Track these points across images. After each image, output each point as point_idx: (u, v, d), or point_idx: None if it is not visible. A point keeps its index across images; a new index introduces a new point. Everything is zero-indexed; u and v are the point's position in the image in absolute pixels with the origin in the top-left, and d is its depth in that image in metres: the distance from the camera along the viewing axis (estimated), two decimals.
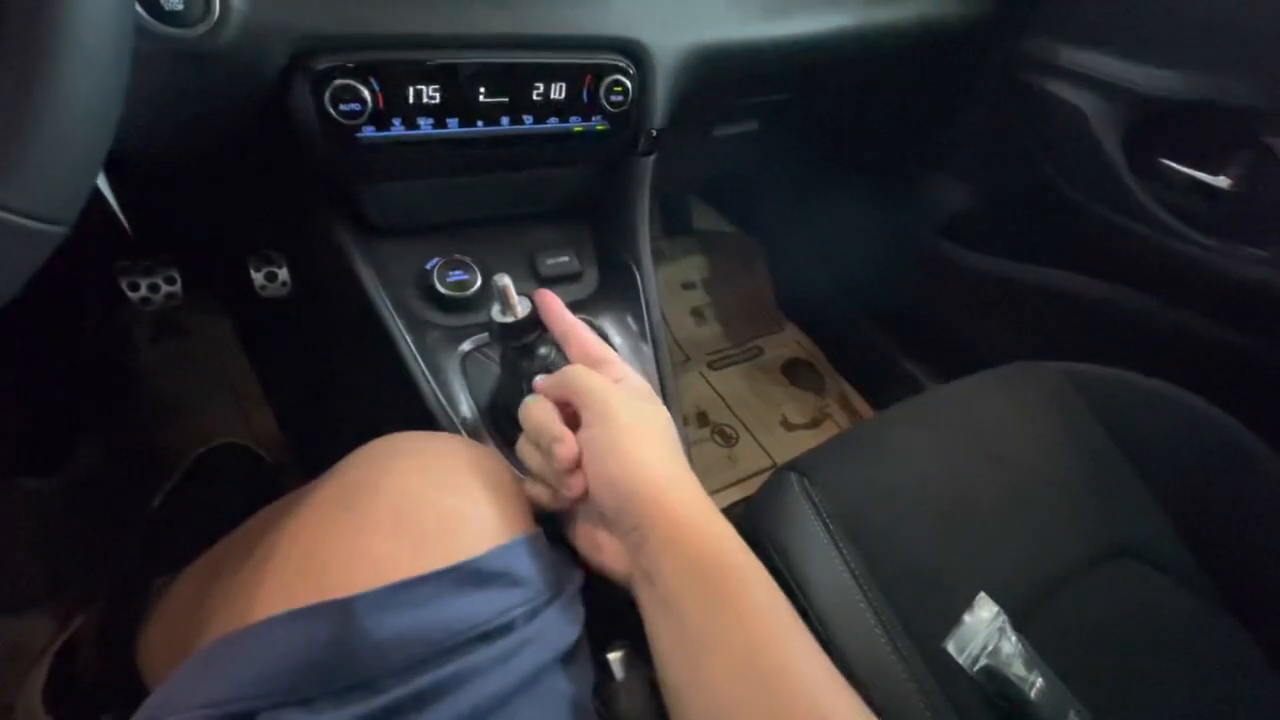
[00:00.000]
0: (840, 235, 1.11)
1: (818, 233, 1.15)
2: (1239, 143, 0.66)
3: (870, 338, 1.09)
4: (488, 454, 0.34)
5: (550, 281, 0.53)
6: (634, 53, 0.47)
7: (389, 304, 0.47)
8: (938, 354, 0.99)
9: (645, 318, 0.52)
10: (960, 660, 0.46)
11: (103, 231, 0.38)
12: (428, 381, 0.44)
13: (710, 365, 1.11)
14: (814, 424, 1.06)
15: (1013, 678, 0.45)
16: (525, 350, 0.40)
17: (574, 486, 0.31)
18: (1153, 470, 0.60)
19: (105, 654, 0.54)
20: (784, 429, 1.03)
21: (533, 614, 0.27)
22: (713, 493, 1.00)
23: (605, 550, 0.32)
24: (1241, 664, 0.55)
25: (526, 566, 0.28)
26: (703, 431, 1.00)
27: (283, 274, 0.78)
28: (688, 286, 1.19)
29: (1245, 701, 0.53)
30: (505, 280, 0.38)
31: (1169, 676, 0.52)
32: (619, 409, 0.31)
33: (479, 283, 0.50)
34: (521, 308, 0.38)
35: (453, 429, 0.44)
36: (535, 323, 0.39)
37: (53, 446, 0.75)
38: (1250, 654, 0.55)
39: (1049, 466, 0.59)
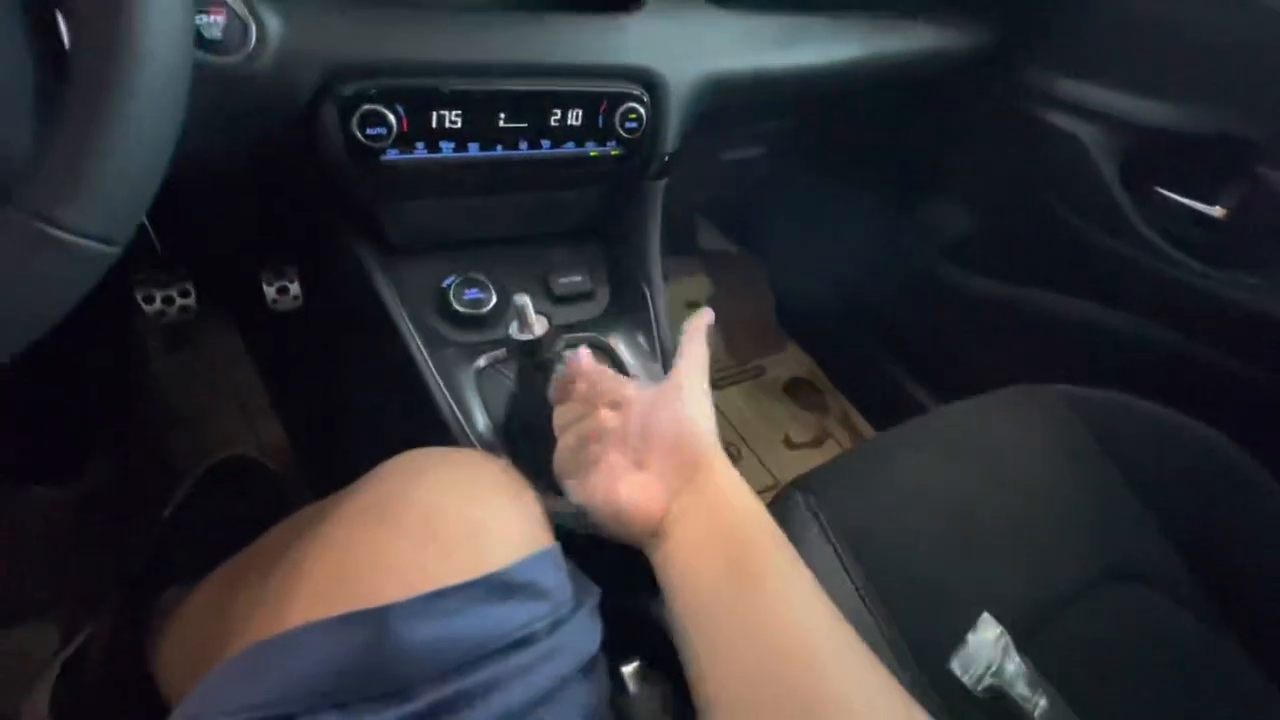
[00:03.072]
0: (843, 257, 1.13)
1: (821, 254, 1.17)
2: (1232, 173, 0.68)
3: (872, 358, 1.10)
4: (508, 469, 0.35)
5: (563, 300, 0.54)
6: (649, 81, 0.49)
7: (407, 319, 0.48)
8: (939, 375, 1.01)
9: (655, 336, 0.53)
10: (965, 680, 0.46)
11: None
12: (444, 396, 0.45)
13: (713, 384, 1.11)
14: (816, 443, 1.07)
15: (1016, 698, 0.45)
16: (541, 367, 0.41)
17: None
18: (1152, 492, 0.61)
19: (114, 664, 0.55)
20: (786, 447, 1.04)
21: (555, 625, 0.28)
22: None
23: (640, 492, 0.33)
24: (1241, 685, 0.55)
25: (550, 579, 0.29)
26: None
27: (294, 288, 0.80)
28: (692, 305, 1.21)
29: (1239, 716, 0.53)
30: (524, 300, 0.39)
31: (1169, 698, 0.52)
32: (706, 372, 0.37)
33: (494, 300, 0.51)
34: (539, 326, 0.39)
35: (467, 443, 0.45)
36: (551, 341, 0.40)
37: (64, 457, 0.76)
38: (1250, 675, 0.56)
39: (1049, 488, 0.60)
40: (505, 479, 0.33)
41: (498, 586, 0.27)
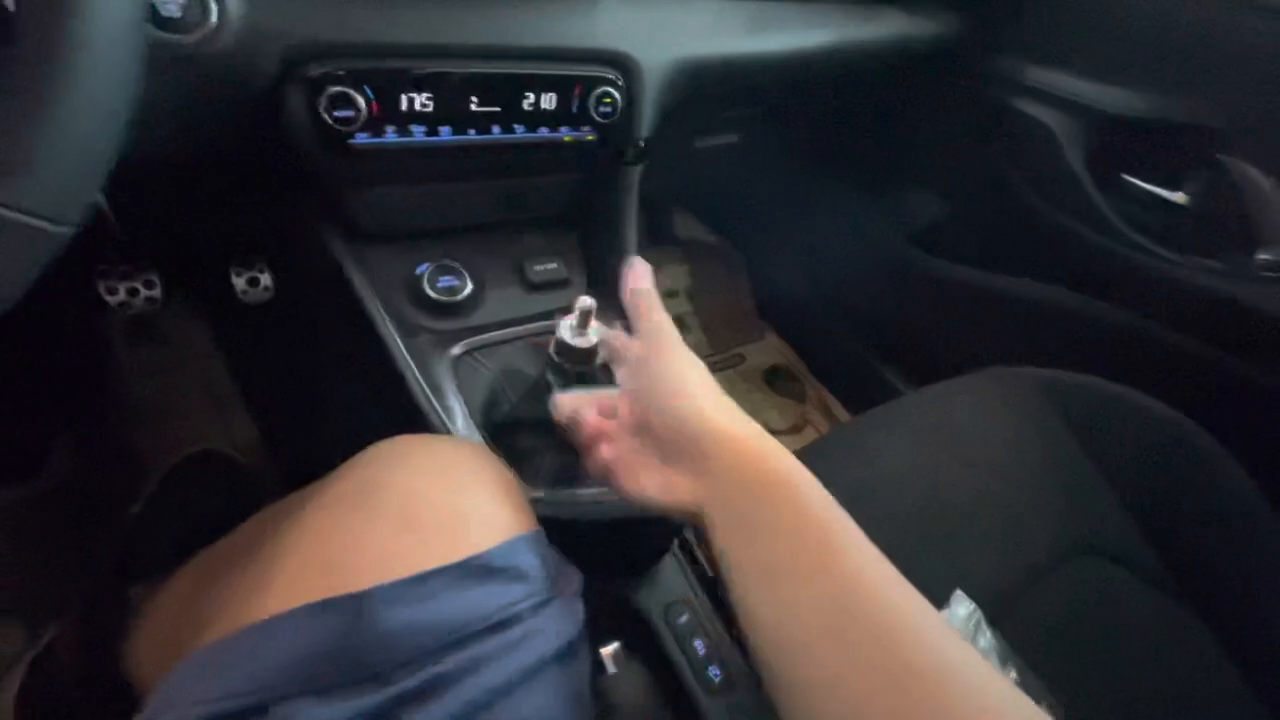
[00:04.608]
0: (818, 245, 1.14)
1: (796, 242, 1.18)
2: (1195, 160, 0.69)
3: (848, 345, 1.11)
4: (488, 455, 0.35)
5: (539, 288, 0.54)
6: (623, 65, 0.48)
7: (380, 306, 0.47)
8: (913, 360, 1.02)
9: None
10: None
11: (82, 234, 0.38)
12: (419, 384, 0.45)
13: None
14: (795, 430, 1.08)
15: None
16: (574, 377, 0.40)
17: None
18: (1114, 470, 0.63)
19: (84, 661, 0.54)
20: None
21: (536, 608, 0.28)
22: None
23: (665, 484, 0.31)
24: (1200, 654, 0.57)
25: (530, 562, 0.29)
26: None
27: (265, 279, 0.78)
28: (670, 295, 1.21)
29: (1203, 690, 0.56)
30: (590, 303, 0.38)
31: (1133, 667, 0.54)
32: (676, 339, 0.33)
33: (469, 288, 0.50)
34: (594, 335, 0.38)
35: (444, 431, 0.44)
36: (594, 353, 0.39)
37: (26, 453, 0.74)
38: (1207, 645, 0.58)
39: (1019, 468, 0.61)
40: (485, 464, 0.33)
41: (477, 569, 0.27)
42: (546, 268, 0.54)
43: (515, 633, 0.27)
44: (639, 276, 0.36)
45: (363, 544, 0.27)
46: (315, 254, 0.53)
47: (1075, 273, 0.79)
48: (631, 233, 0.55)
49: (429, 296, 0.49)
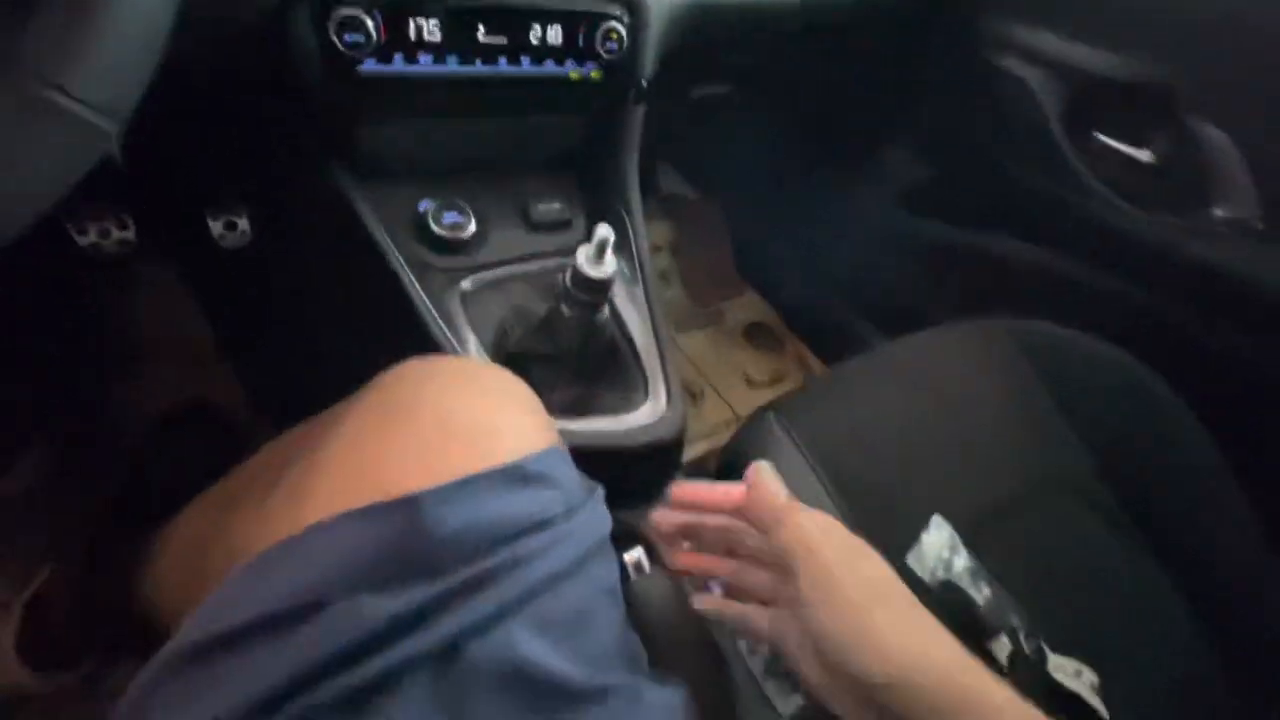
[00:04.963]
0: (800, 204, 1.16)
1: (779, 201, 1.19)
2: (1162, 120, 0.73)
3: (827, 303, 1.14)
4: (510, 374, 0.36)
5: (541, 228, 0.54)
6: (629, 2, 0.48)
7: (390, 242, 0.47)
8: (892, 318, 1.06)
9: (637, 262, 0.54)
10: (920, 574, 0.51)
11: None
12: (434, 318, 0.45)
13: (675, 327, 1.14)
14: (774, 382, 1.11)
15: (965, 588, 0.50)
16: (585, 307, 0.41)
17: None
18: (1079, 413, 0.67)
19: (81, 601, 0.53)
20: (746, 386, 1.08)
21: (569, 513, 0.29)
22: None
23: (826, 691, 0.28)
24: (1149, 582, 0.63)
25: (562, 471, 0.31)
26: None
27: (242, 224, 0.76)
28: (654, 249, 1.21)
29: (1150, 610, 0.61)
30: (609, 233, 0.38)
31: (1089, 591, 0.59)
32: (842, 569, 0.29)
33: (473, 226, 0.50)
34: (610, 266, 0.39)
35: None
36: (610, 284, 0.40)
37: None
38: (1157, 573, 0.63)
39: (992, 411, 0.65)
40: (510, 381, 0.34)
41: (517, 476, 0.28)
42: (550, 208, 0.54)
43: (554, 533, 0.28)
44: (763, 474, 0.33)
45: (405, 452, 0.28)
46: (313, 191, 0.52)
47: (1050, 230, 0.82)
48: (634, 174, 0.56)
49: (434, 233, 0.49)
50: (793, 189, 1.16)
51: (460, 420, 0.30)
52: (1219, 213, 0.71)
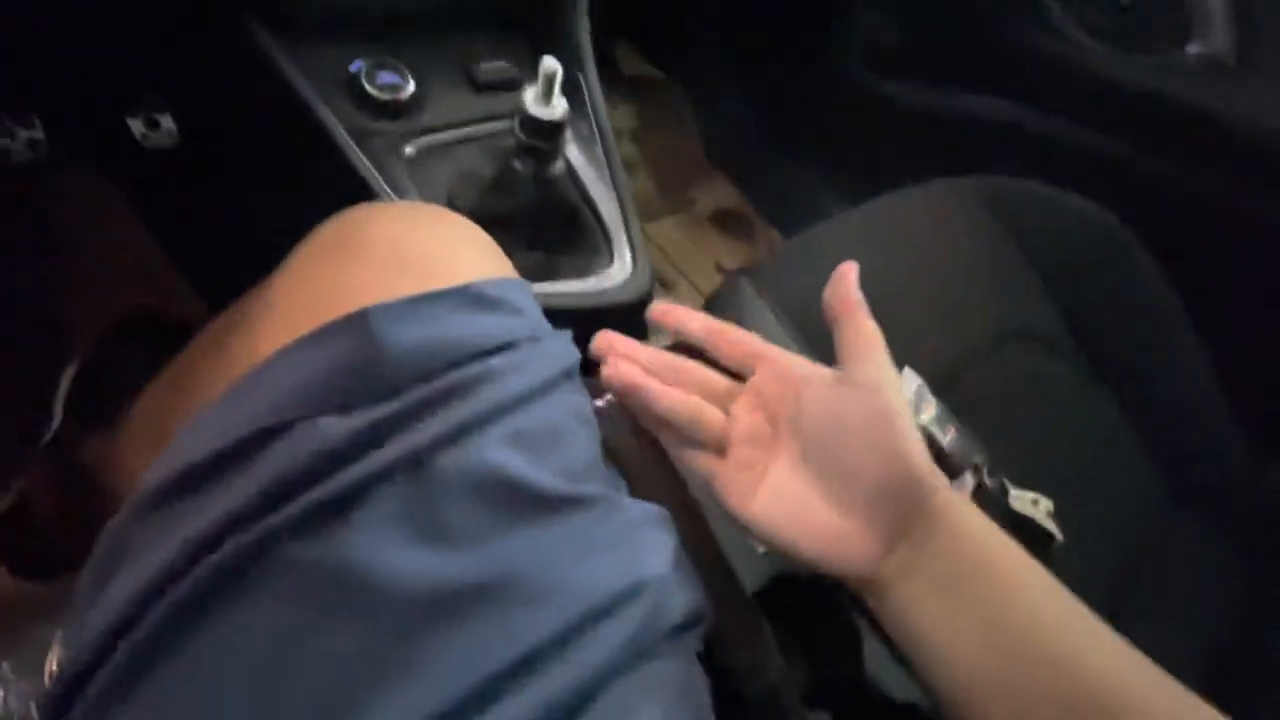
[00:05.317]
0: (768, 77, 1.10)
1: (742, 74, 1.13)
2: None
3: (796, 180, 1.11)
4: (460, 216, 0.33)
5: (488, 88, 0.50)
6: None
7: (325, 106, 0.43)
8: (862, 189, 1.04)
9: (593, 122, 0.51)
10: None
11: None
12: (381, 187, 0.43)
13: (644, 216, 1.11)
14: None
15: (932, 430, 0.52)
16: (540, 155, 0.38)
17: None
18: (1046, 265, 0.68)
19: (63, 506, 0.53)
20: (719, 274, 1.07)
21: (536, 339, 0.28)
22: (655, 332, 1.04)
23: (831, 533, 0.27)
24: (1107, 421, 0.66)
25: (525, 302, 0.29)
26: None
27: (166, 121, 0.70)
28: (616, 137, 1.16)
29: (1107, 449, 0.65)
30: (555, 65, 0.35)
31: (1051, 430, 0.62)
32: (889, 362, 0.29)
33: (412, 87, 0.47)
34: (561, 106, 0.36)
35: None
36: (563, 128, 0.37)
37: None
38: (1113, 412, 0.66)
39: (960, 267, 0.65)
40: (462, 222, 0.32)
41: (475, 298, 0.27)
42: (495, 65, 0.50)
43: (519, 354, 0.27)
44: (847, 283, 0.32)
45: (357, 280, 0.26)
46: (236, 64, 0.47)
47: (1021, 82, 0.80)
48: (584, 27, 0.52)
49: (369, 94, 0.45)
50: (759, 62, 1.10)
51: (411, 248, 0.28)
52: (1193, 49, 0.69)
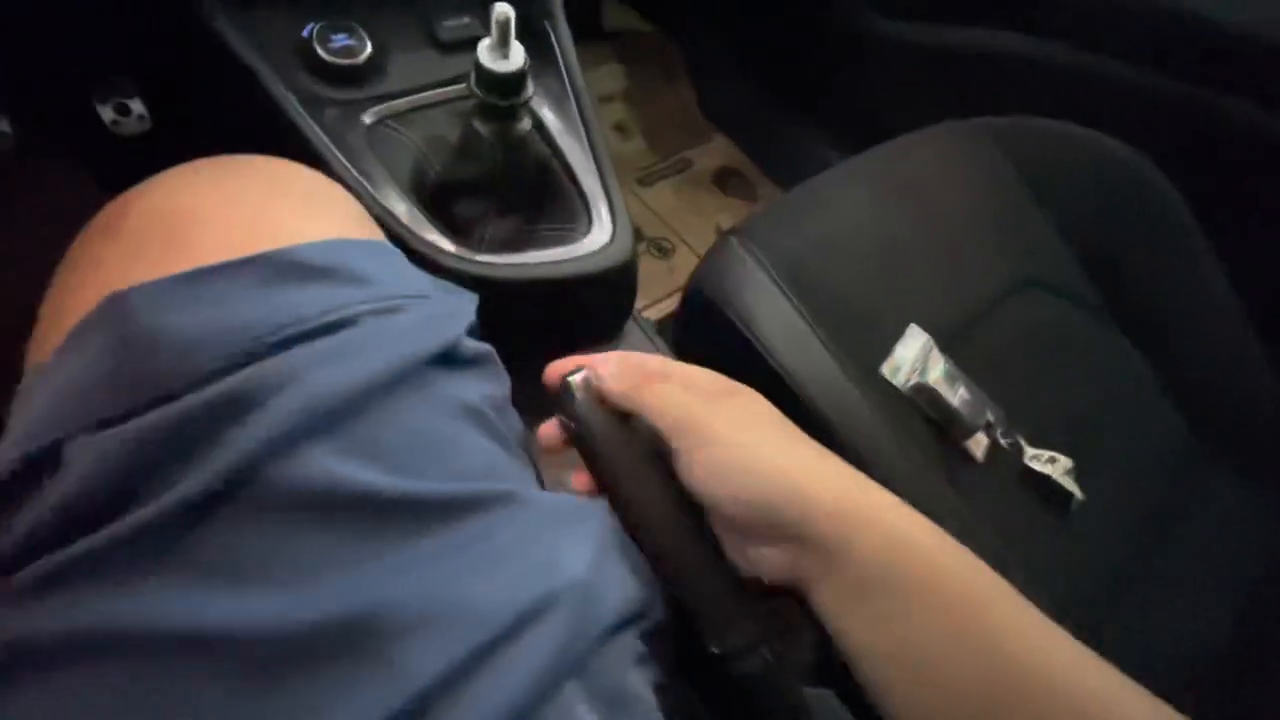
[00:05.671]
0: (763, 25, 1.04)
1: (738, 25, 1.07)
2: None
3: (797, 135, 1.06)
4: (318, 174, 0.28)
5: (452, 48, 0.47)
6: None
7: (273, 74, 0.41)
8: (868, 139, 0.99)
9: (565, 79, 0.47)
10: (895, 382, 0.50)
11: None
12: (338, 160, 0.40)
13: (640, 181, 1.07)
14: None
15: (939, 390, 0.49)
16: (501, 114, 0.35)
17: None
18: (1063, 207, 0.63)
19: None
20: (717, 236, 1.03)
21: (387, 312, 0.23)
22: (655, 302, 1.01)
23: (759, 563, 0.25)
24: (1130, 371, 0.62)
25: (372, 266, 0.23)
26: (639, 247, 0.99)
27: (137, 106, 0.67)
28: (606, 99, 1.11)
29: (1130, 401, 0.61)
30: (507, 10, 0.32)
31: (1068, 381, 0.59)
32: (713, 420, 0.25)
33: (369, 49, 0.44)
34: (516, 57, 0.33)
35: (382, 213, 0.40)
36: (525, 80, 0.33)
37: None
38: (1136, 362, 0.63)
39: (969, 213, 0.61)
40: (289, 170, 0.27)
41: (283, 267, 0.21)
42: (459, 23, 0.47)
43: (356, 333, 0.21)
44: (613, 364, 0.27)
45: (125, 272, 0.21)
46: (193, 34, 0.44)
47: (1028, 13, 0.74)
48: None
49: (323, 60, 0.42)
50: (753, 10, 1.04)
51: (201, 213, 0.23)
52: None
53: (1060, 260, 0.63)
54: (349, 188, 0.38)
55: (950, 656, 0.21)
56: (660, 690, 0.23)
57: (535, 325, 0.41)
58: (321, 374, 0.20)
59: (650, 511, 0.26)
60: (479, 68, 0.34)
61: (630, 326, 0.49)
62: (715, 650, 0.26)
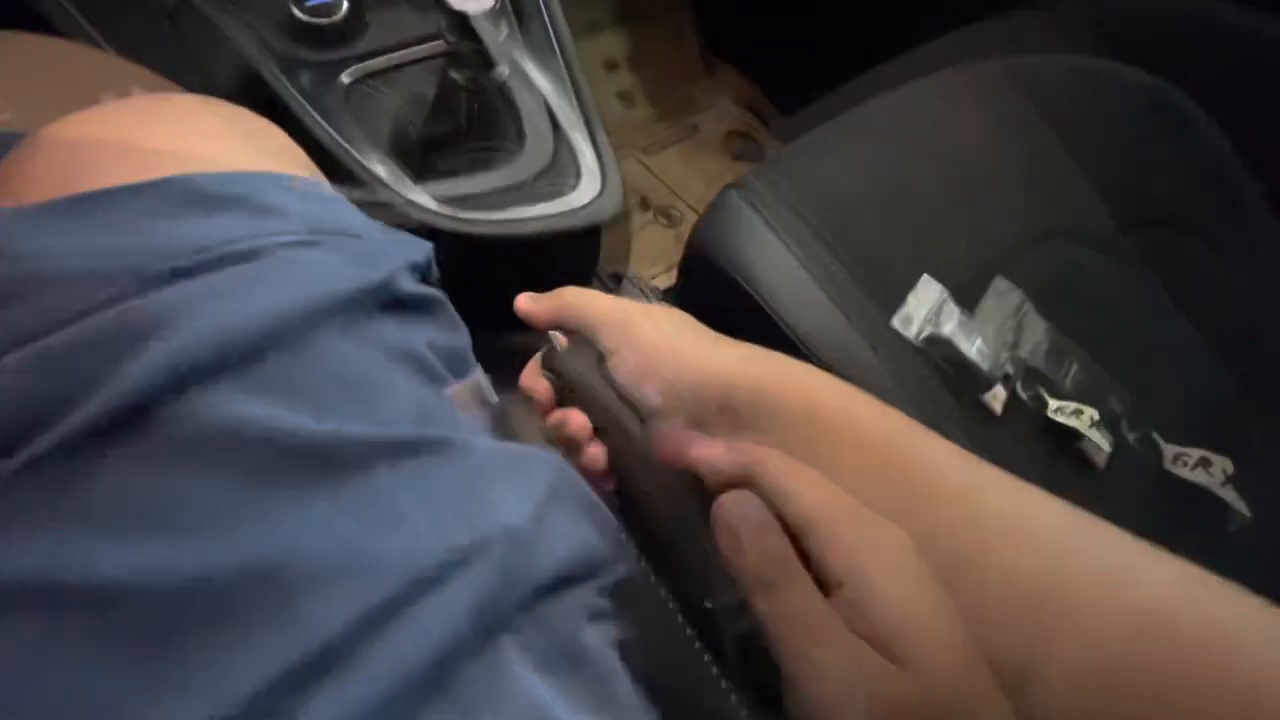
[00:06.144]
0: None
1: None
2: None
3: (811, 86, 1.02)
4: (265, 120, 0.26)
5: (430, 3, 0.45)
6: None
7: (250, 40, 0.40)
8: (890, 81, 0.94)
9: (550, 31, 0.45)
10: (907, 334, 0.47)
11: None
12: (317, 122, 0.39)
13: (646, 150, 1.05)
14: None
15: (954, 341, 0.47)
16: (471, 61, 0.33)
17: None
18: (1091, 148, 0.60)
19: None
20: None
21: (304, 244, 0.21)
22: (663, 271, 1.00)
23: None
24: (1166, 322, 0.59)
25: (293, 201, 0.22)
26: (645, 216, 0.97)
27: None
28: (611, 67, 1.08)
29: (1168, 352, 0.58)
30: None
31: (1101, 336, 0.55)
32: (640, 319, 0.27)
33: (345, 6, 0.42)
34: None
35: (362, 172, 0.39)
36: (496, 22, 0.32)
37: None
38: (1173, 312, 0.59)
39: (987, 158, 0.58)
40: (250, 121, 0.25)
41: (186, 194, 0.20)
42: None
43: (268, 264, 0.19)
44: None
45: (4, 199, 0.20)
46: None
47: None
48: None
49: (298, 19, 0.41)
50: None
51: (94, 160, 0.21)
52: None
53: (1090, 206, 0.60)
54: (327, 150, 0.37)
55: (879, 497, 0.22)
56: (624, 647, 0.22)
57: (519, 281, 0.39)
58: (223, 306, 0.18)
59: (632, 448, 0.25)
60: (448, 11, 0.32)
61: (630, 289, 0.48)
62: (708, 605, 0.24)
